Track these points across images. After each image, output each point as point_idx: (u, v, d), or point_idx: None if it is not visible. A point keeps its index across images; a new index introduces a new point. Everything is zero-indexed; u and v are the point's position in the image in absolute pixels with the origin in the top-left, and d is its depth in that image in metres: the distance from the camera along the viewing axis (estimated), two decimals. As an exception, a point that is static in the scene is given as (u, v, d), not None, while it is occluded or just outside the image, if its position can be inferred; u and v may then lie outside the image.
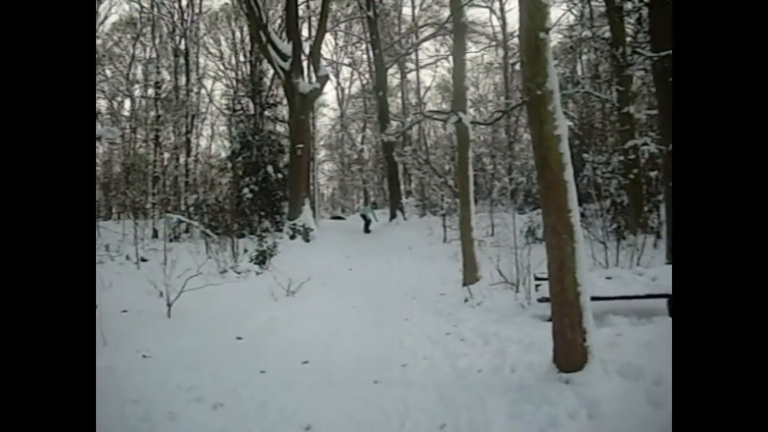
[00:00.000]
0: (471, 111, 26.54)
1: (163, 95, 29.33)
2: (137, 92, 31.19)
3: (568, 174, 5.66)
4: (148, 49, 30.82)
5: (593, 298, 6.30)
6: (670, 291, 8.43)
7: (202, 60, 33.10)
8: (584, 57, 27.60)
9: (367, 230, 24.59)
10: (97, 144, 20.82)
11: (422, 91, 40.45)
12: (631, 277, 8.95)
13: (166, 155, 29.69)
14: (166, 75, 30.35)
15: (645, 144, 15.98)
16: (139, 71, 31.36)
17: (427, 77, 54.00)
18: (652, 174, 17.70)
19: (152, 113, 28.47)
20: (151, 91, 29.53)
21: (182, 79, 30.49)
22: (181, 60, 30.36)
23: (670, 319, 8.14)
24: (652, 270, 9.16)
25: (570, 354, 5.59)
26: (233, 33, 31.99)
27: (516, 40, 26.70)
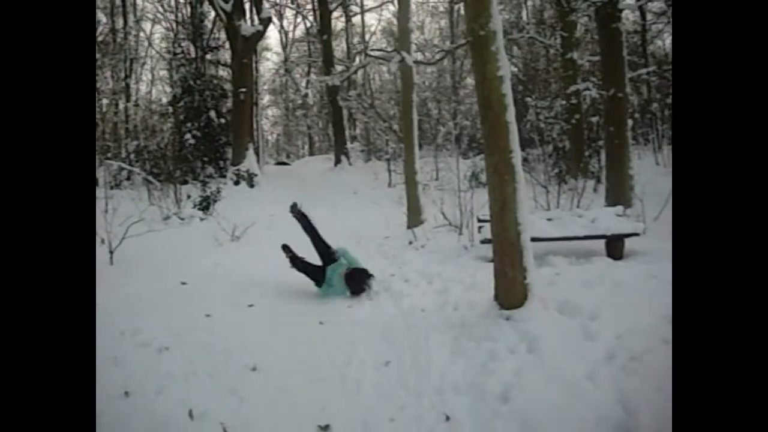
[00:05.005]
0: (416, 55, 26.37)
1: (100, 38, 28.23)
2: (72, 35, 30.04)
3: (510, 115, 5.71)
4: (82, -11, 29.56)
5: (534, 239, 6.44)
6: (608, 232, 8.70)
7: (139, 1, 31.91)
8: (529, 3, 27.66)
9: None
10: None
11: (367, 36, 39.93)
12: (570, 219, 9.15)
13: (105, 101, 28.72)
14: (101, 17, 29.10)
15: (587, 89, 16.22)
16: (73, 13, 30.14)
17: (372, 20, 53.36)
18: (594, 119, 18.01)
19: (88, 57, 27.46)
20: (86, 34, 28.46)
21: (119, 22, 29.37)
22: (118, 1, 29.23)
23: (608, 259, 8.41)
24: (591, 212, 9.38)
25: (510, 292, 5.74)
26: (172, -27, 30.87)
27: (461, -16, 26.46)
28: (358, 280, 7.54)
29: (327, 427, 3.93)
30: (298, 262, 8.00)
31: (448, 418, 3.94)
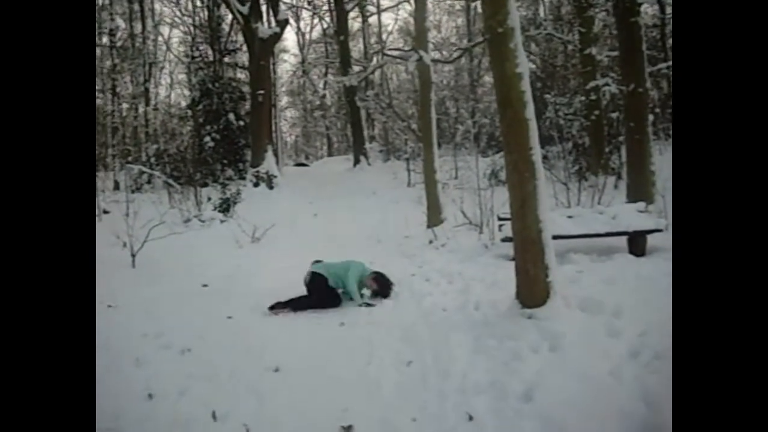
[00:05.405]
0: (434, 54, 26.31)
1: (119, 43, 28.48)
2: (91, 40, 30.25)
3: (530, 112, 5.66)
4: (100, -5, 29.85)
5: (555, 237, 6.39)
6: (629, 229, 8.63)
7: (157, 6, 32.25)
8: (546, -2, 27.49)
9: None
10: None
11: (384, 35, 39.95)
12: (591, 216, 9.10)
13: (125, 105, 29.06)
14: (120, 22, 29.42)
15: (606, 85, 16.08)
16: (92, 18, 30.40)
17: (389, 20, 53.42)
18: (614, 115, 17.86)
19: (108, 62, 27.65)
20: (105, 39, 28.65)
21: (138, 27, 29.64)
22: (136, 6, 29.47)
23: (630, 256, 8.35)
24: (612, 209, 9.32)
25: (532, 290, 5.69)
26: (189, -23, 31.04)
27: (478, -19, 26.35)
28: (384, 284, 7.41)
29: (350, 427, 3.92)
30: (304, 304, 7.22)
31: (471, 418, 3.91)
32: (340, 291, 7.41)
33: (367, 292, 7.46)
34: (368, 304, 7.11)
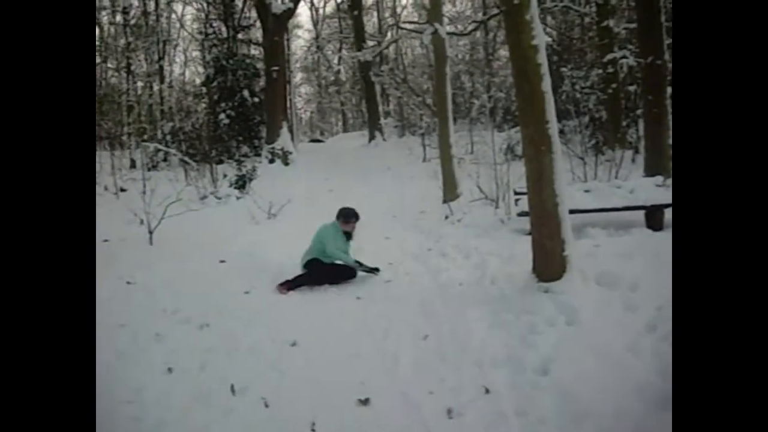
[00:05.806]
0: (448, 27, 26.09)
1: (132, 21, 28.42)
2: (105, 19, 30.11)
3: (546, 85, 5.61)
4: (113, -27, 29.74)
5: (572, 211, 6.37)
6: (647, 203, 8.57)
7: (170, -16, 32.09)
8: (563, -31, 27.07)
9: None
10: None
11: (398, 9, 39.63)
12: (609, 190, 9.05)
13: (140, 84, 29.06)
14: (133, 0, 29.41)
15: (624, 57, 15.86)
16: (105, -3, 30.38)
17: (403, -5, 52.96)
18: (631, 88, 17.64)
19: (122, 41, 27.60)
20: (119, 18, 28.59)
21: (151, 5, 29.56)
22: (149, -17, 29.40)
23: (647, 230, 8.30)
24: (630, 183, 9.27)
25: (549, 264, 5.69)
26: (201, -47, 30.88)
27: (493, -46, 26.02)
28: (348, 212, 7.59)
29: (367, 400, 3.95)
30: (319, 276, 7.22)
31: (487, 391, 3.93)
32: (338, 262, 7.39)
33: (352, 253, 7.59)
34: (370, 270, 7.33)
